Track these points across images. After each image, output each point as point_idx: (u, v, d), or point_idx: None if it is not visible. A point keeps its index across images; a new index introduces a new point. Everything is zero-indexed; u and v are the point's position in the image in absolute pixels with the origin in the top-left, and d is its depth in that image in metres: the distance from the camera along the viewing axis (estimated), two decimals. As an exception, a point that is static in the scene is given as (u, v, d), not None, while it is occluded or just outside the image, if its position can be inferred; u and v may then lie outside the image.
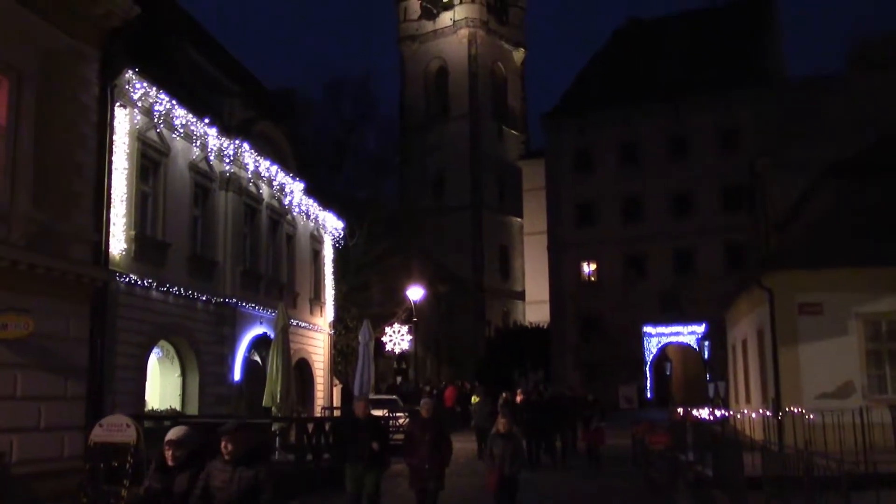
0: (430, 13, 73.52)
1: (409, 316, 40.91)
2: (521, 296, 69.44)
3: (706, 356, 39.68)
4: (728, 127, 48.42)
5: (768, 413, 20.20)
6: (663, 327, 46.44)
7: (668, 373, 44.75)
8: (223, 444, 6.41)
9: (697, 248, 48.79)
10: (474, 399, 25.33)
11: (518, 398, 23.46)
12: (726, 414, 24.23)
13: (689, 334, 45.67)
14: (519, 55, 76.17)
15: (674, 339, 46.64)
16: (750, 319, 25.14)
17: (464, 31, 71.21)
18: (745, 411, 24.14)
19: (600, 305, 49.93)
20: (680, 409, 23.63)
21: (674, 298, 47.14)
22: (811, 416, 17.13)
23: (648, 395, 45.89)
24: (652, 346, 46.78)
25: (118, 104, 16.80)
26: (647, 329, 46.69)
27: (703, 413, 21.48)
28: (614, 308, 48.73)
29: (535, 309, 62.61)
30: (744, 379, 26.89)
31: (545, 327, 55.74)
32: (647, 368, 46.71)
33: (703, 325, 43.46)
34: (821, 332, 20.37)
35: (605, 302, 49.56)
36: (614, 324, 48.50)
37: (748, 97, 47.23)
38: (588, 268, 52.82)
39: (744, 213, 44.37)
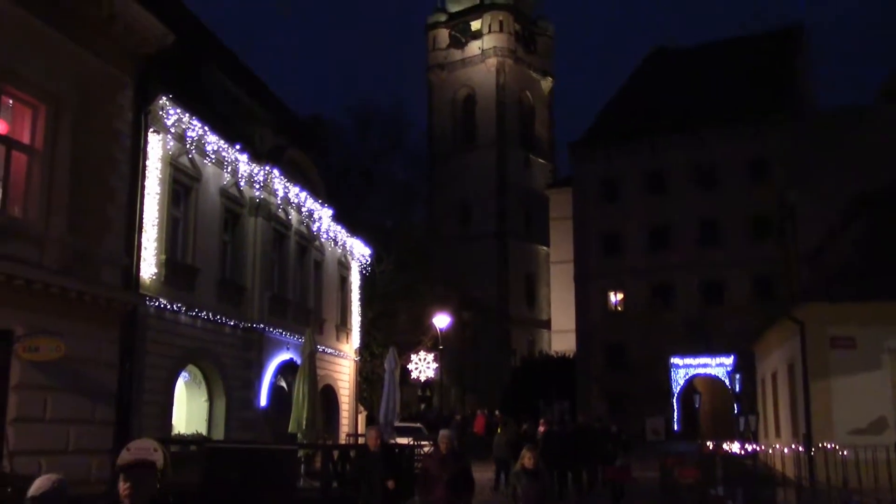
0: (458, 42, 74.08)
1: (435, 343, 40.82)
2: (547, 325, 69.09)
3: (737, 389, 39.12)
4: (757, 157, 48.07)
5: (800, 448, 19.85)
6: (691, 359, 45.91)
7: (696, 405, 44.11)
8: (121, 482, 4.78)
9: (725, 278, 48.32)
10: (500, 430, 25.05)
11: (540, 428, 22.90)
12: (757, 448, 23.85)
13: (717, 366, 45.10)
14: (547, 84, 76.42)
15: (701, 370, 46.06)
16: (780, 352, 24.82)
17: (492, 60, 71.63)
18: (776, 446, 23.75)
19: (627, 335, 49.50)
20: (710, 443, 23.28)
21: (701, 329, 46.60)
22: (844, 453, 16.81)
23: (676, 427, 45.30)
24: (679, 378, 46.23)
25: (152, 130, 17.00)
26: (675, 360, 46.17)
27: (734, 447, 21.16)
28: (641, 338, 48.27)
29: (561, 338, 62.19)
30: (773, 413, 26.50)
31: (571, 357, 55.31)
32: (675, 400, 46.15)
33: (732, 356, 42.93)
34: (853, 367, 20.04)
35: (632, 332, 49.12)
36: (641, 354, 48.03)
37: (777, 127, 46.92)
38: (615, 297, 52.47)
39: (773, 243, 43.96)
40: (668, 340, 46.54)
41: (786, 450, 21.76)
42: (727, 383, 44.05)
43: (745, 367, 36.86)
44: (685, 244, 49.46)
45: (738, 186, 48.17)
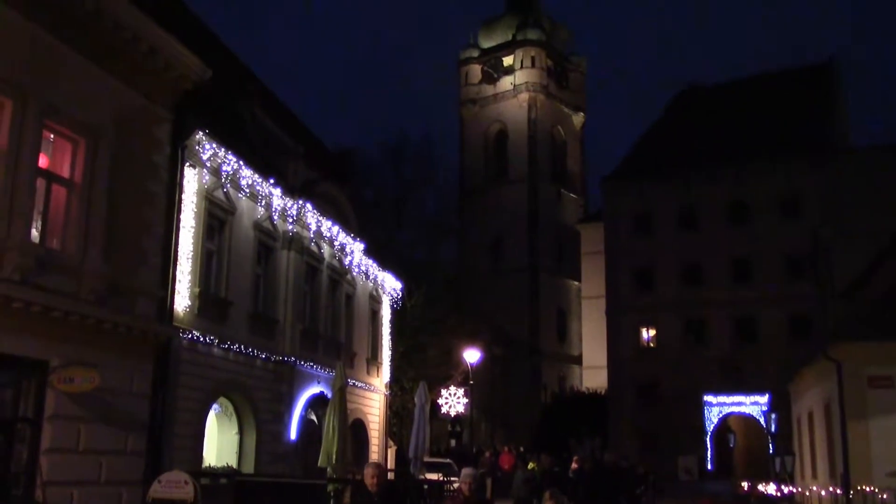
0: (490, 77, 74.56)
1: (465, 378, 40.66)
2: (578, 360, 68.60)
3: (773, 428, 38.51)
4: (790, 194, 47.76)
5: (838, 490, 19.47)
6: (724, 396, 45.32)
7: (731, 445, 43.42)
8: None
9: (759, 315, 47.79)
10: (531, 465, 24.78)
11: (573, 465, 22.51)
12: (793, 490, 23.43)
13: (751, 405, 44.47)
14: (578, 119, 76.56)
15: (735, 409, 45.43)
16: (816, 392, 24.43)
17: (524, 96, 71.95)
18: (813, 488, 23.30)
19: (659, 372, 49.00)
20: (744, 483, 22.91)
21: (735, 367, 46.08)
22: (884, 496, 16.45)
23: (709, 466, 44.62)
24: (713, 416, 45.60)
25: (188, 164, 17.21)
26: (708, 398, 45.60)
27: (770, 488, 20.79)
28: (673, 375, 47.78)
29: (592, 374, 61.73)
30: (810, 454, 26.03)
31: (602, 393, 54.82)
32: (708, 439, 45.50)
33: (766, 395, 42.35)
34: (892, 407, 19.68)
35: (664, 369, 48.64)
36: (673, 391, 47.50)
37: (811, 164, 46.63)
38: (647, 333, 52.03)
39: (807, 281, 43.42)
40: (701, 378, 46.02)
41: (823, 492, 21.35)
42: (762, 422, 43.38)
43: (780, 406, 36.30)
44: (718, 281, 49.03)
45: (772, 223, 47.79)
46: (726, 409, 45.60)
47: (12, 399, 12.60)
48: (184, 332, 17.11)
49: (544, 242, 69.87)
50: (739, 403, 44.96)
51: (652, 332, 51.82)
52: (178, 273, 16.75)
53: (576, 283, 68.98)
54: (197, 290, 17.80)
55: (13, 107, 12.26)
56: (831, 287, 35.01)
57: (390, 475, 27.27)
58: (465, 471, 9.54)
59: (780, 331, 46.42)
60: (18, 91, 12.29)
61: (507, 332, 62.66)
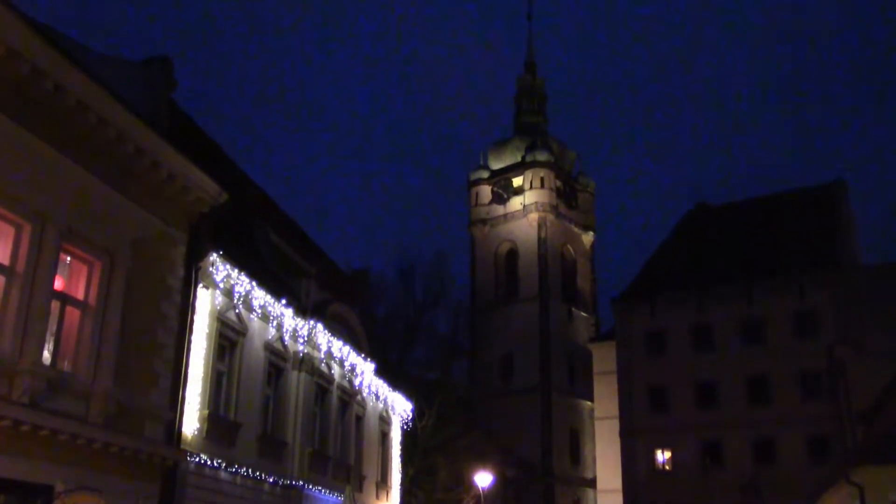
0: (500, 198, 75.60)
1: (477, 503, 39.64)
2: (593, 483, 66.85)
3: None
4: (804, 311, 47.50)
5: None
6: (744, 522, 43.97)
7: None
8: None
9: (777, 437, 46.79)
10: None
11: None
12: None
13: (772, 531, 43.06)
14: (588, 238, 77.14)
15: (756, 534, 43.98)
16: (839, 517, 23.69)
17: (534, 216, 72.73)
18: None
19: (676, 496, 47.64)
20: None
21: (754, 490, 44.82)
22: None
23: None
24: (733, 543, 44.15)
25: (201, 285, 17.30)
26: (727, 524, 44.23)
27: None
28: (691, 499, 46.46)
29: (607, 497, 60.01)
30: (836, 583, 25.04)
31: (618, 518, 53.25)
32: (729, 566, 43.88)
33: (788, 521, 41.05)
34: (919, 534, 19.05)
35: (682, 492, 47.31)
36: (691, 516, 46.10)
37: (824, 281, 46.59)
38: (662, 455, 50.89)
39: (825, 400, 42.74)
40: (719, 501, 44.75)
41: None
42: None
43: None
44: (734, 401, 48.25)
45: (787, 342, 47.36)
46: (747, 535, 44.12)
47: (15, 526, 12.33)
48: (191, 456, 16.83)
49: (556, 362, 69.29)
50: (760, 529, 43.55)
51: (667, 455, 50.69)
52: (187, 395, 16.61)
53: (588, 403, 67.95)
54: (206, 412, 17.61)
55: (31, 230, 12.45)
56: (849, 407, 34.49)
57: None
58: None
59: (800, 452, 45.36)
60: (38, 215, 12.51)
61: (520, 454, 61.43)
